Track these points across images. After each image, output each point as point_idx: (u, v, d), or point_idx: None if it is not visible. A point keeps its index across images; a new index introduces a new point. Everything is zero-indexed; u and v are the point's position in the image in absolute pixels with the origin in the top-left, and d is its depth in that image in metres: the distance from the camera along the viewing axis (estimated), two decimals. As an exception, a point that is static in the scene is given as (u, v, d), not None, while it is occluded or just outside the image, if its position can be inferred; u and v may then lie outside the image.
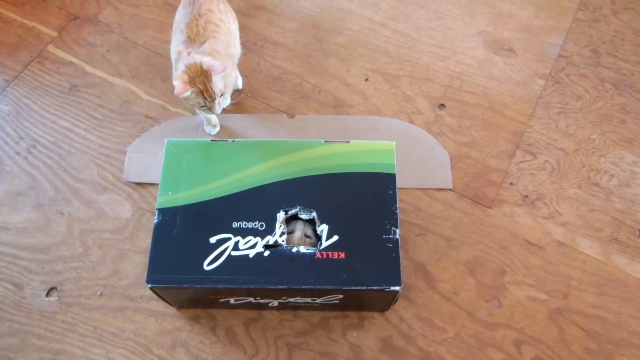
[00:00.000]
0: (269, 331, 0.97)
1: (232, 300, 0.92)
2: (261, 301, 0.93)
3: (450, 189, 1.11)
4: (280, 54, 1.27)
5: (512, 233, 1.06)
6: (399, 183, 0.93)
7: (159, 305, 0.99)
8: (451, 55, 1.27)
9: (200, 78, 0.95)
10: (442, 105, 1.21)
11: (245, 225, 0.87)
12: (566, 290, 1.01)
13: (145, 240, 1.04)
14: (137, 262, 1.03)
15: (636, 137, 1.16)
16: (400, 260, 0.85)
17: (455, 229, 1.06)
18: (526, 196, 1.10)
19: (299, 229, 0.89)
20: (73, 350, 0.96)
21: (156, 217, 0.88)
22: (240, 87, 1.21)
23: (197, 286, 0.84)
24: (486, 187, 1.11)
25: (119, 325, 0.98)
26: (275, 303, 0.94)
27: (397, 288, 0.83)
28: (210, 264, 0.84)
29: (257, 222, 0.87)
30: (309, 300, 0.91)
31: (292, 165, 0.92)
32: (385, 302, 0.93)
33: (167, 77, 1.23)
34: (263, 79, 1.24)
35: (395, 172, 0.92)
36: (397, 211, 0.89)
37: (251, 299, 0.91)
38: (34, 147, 1.15)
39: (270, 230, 0.87)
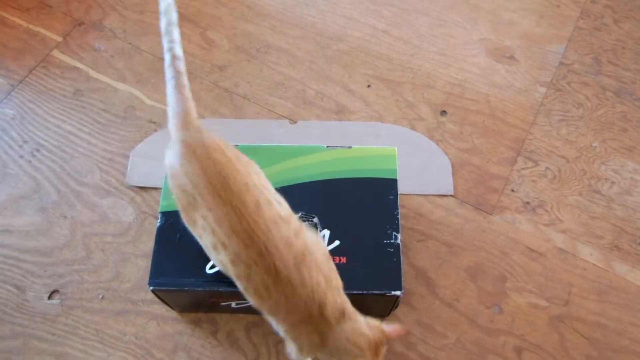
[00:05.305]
0: (270, 335, 0.97)
1: (233, 304, 0.92)
2: (262, 305, 0.93)
3: (451, 195, 1.11)
4: (283, 61, 1.28)
5: (513, 240, 1.06)
6: (401, 189, 0.93)
7: (161, 309, 0.99)
8: (453, 63, 1.28)
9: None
10: (443, 112, 1.21)
11: (247, 229, 0.87)
12: (567, 297, 1.01)
13: (147, 244, 1.05)
14: (139, 266, 1.03)
15: (637, 145, 1.17)
16: (402, 265, 0.85)
17: (457, 235, 1.07)
18: (527, 203, 1.10)
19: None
20: (74, 353, 0.96)
21: (159, 220, 0.89)
22: None
23: (199, 289, 0.84)
24: (487, 194, 1.11)
25: (121, 328, 0.98)
26: (277, 307, 0.94)
27: (398, 293, 0.83)
28: (212, 267, 0.84)
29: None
30: (310, 304, 0.91)
31: (294, 171, 0.93)
32: (386, 307, 0.93)
33: (170, 83, 1.24)
34: (266, 85, 1.25)
35: (397, 178, 0.93)
36: (399, 216, 0.89)
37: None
38: (38, 150, 1.16)
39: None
